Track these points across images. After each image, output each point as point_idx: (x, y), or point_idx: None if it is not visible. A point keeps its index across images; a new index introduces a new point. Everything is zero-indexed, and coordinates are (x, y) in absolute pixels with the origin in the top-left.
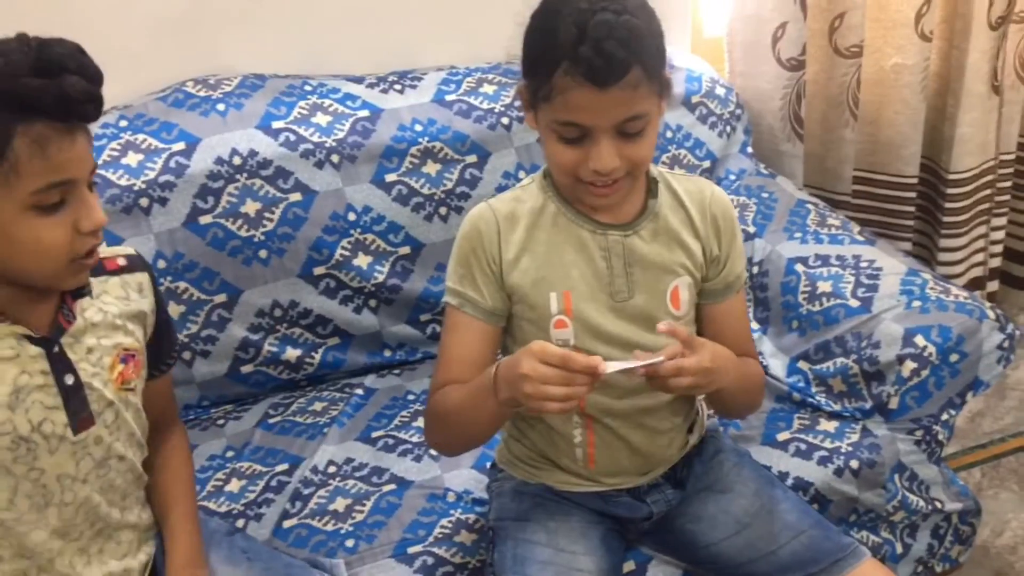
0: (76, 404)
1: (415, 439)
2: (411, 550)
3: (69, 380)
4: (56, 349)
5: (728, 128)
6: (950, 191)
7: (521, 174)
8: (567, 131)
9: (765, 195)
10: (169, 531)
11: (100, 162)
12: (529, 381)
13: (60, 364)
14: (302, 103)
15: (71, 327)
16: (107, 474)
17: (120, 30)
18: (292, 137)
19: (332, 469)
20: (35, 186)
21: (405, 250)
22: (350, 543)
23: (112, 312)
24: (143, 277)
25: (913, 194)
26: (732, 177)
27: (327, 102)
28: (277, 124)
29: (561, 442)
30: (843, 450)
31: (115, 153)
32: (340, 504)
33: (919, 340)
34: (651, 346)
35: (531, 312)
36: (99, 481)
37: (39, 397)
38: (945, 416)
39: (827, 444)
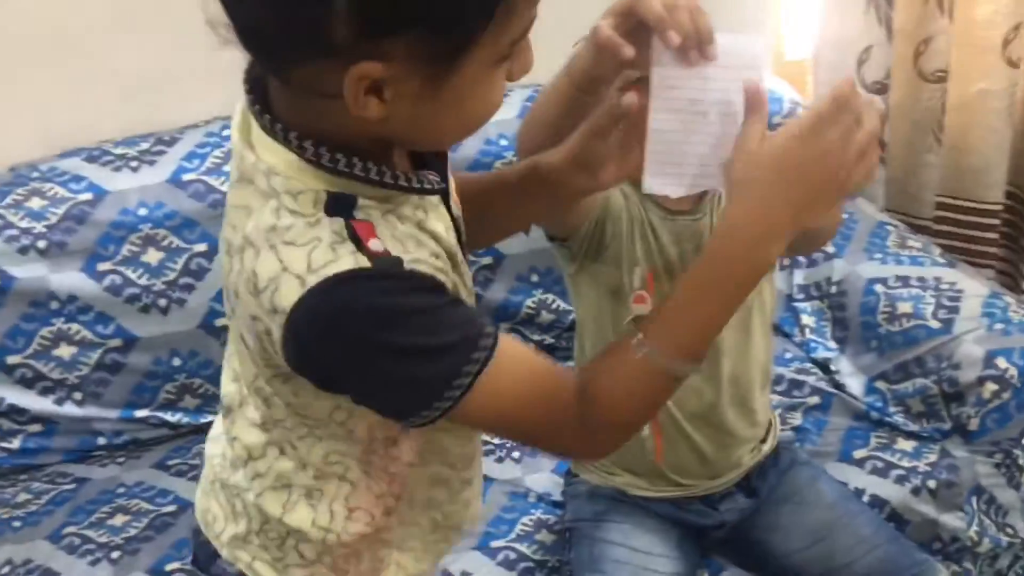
0: None
1: None
2: (494, 544)
3: None
4: None
5: None
6: None
7: None
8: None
9: (845, 216)
10: None
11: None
12: None
13: None
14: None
15: None
16: None
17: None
18: None
19: None
20: (521, 28)
21: None
22: None
23: None
24: None
25: (997, 221)
26: None
27: None
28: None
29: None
30: (920, 469)
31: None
32: None
33: (1000, 362)
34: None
35: (613, 279)
36: None
37: None
38: None
39: (904, 463)
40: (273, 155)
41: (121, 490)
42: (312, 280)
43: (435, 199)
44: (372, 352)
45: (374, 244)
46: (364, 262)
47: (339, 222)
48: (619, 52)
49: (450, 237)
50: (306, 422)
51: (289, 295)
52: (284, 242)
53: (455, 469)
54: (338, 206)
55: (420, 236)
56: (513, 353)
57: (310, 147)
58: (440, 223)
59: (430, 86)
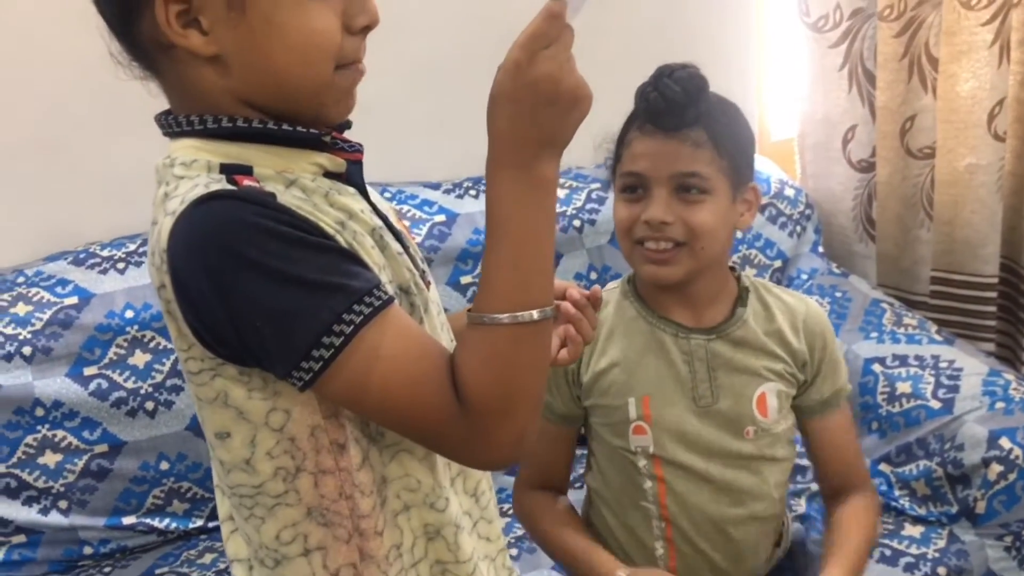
0: None
1: None
2: None
3: None
4: None
5: (798, 228)
6: None
7: (592, 275)
8: (627, 181)
9: (839, 294)
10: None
11: None
12: None
13: None
14: None
15: None
16: None
17: None
18: None
19: None
20: None
21: None
22: None
23: None
24: None
25: (994, 294)
26: (804, 276)
27: (406, 208)
28: None
29: (642, 554)
30: (930, 556)
31: None
32: None
33: (1004, 442)
34: (736, 453)
35: (608, 418)
36: None
37: None
38: None
39: (913, 550)
40: (177, 147)
41: None
42: (181, 208)
43: (352, 190)
44: (242, 271)
45: (248, 182)
46: (231, 187)
47: (222, 177)
48: None
49: (371, 217)
50: (252, 482)
51: (165, 233)
52: (170, 198)
53: (434, 509)
54: (231, 171)
55: (324, 206)
56: (405, 324)
57: (196, 119)
58: (356, 204)
59: (234, 6)
